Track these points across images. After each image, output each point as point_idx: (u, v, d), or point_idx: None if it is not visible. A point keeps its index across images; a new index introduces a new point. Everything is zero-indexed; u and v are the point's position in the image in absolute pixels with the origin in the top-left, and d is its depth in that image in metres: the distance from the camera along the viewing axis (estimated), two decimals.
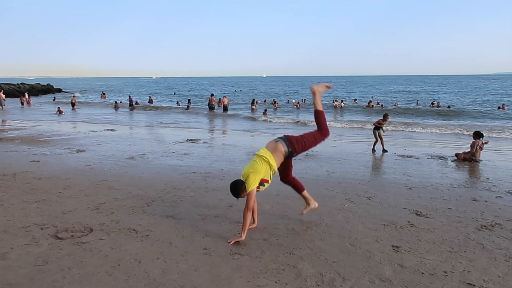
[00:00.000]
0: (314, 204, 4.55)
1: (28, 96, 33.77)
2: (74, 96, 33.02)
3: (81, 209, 4.91)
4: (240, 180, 4.05)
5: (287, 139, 4.17)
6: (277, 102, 30.32)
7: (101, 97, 44.04)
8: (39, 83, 59.20)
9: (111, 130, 14.89)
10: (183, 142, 11.39)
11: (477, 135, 9.15)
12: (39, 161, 8.18)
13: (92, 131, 14.39)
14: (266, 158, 4.03)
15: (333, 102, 29.46)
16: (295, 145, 4.14)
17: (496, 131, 14.97)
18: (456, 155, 8.99)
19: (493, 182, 6.71)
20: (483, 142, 9.11)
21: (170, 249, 3.75)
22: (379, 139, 10.21)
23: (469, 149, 8.89)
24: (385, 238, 4.08)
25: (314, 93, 4.44)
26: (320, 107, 4.39)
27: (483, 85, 74.10)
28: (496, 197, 5.73)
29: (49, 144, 10.80)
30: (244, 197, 4.01)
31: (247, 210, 3.93)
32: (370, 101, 29.41)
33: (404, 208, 5.10)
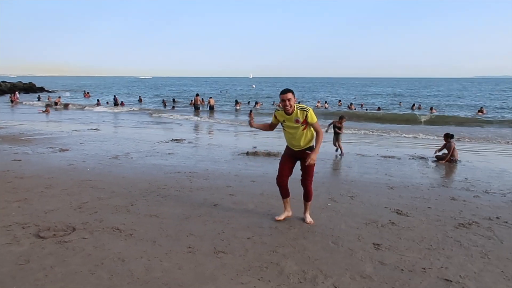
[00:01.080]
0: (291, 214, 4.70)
1: (19, 93, 34.43)
2: (59, 97, 32.53)
3: (63, 208, 4.87)
4: None
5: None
6: (259, 103, 30.49)
7: (85, 96, 43.28)
8: (20, 82, 57.96)
9: (94, 129, 14.71)
10: (168, 142, 11.35)
11: (448, 136, 9.39)
12: (20, 160, 8.05)
13: (76, 130, 14.20)
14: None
15: (317, 103, 29.68)
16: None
17: (479, 138, 15.34)
18: (437, 157, 9.15)
19: (471, 182, 6.90)
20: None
21: (154, 247, 3.76)
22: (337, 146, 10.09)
23: (447, 152, 9.08)
24: (366, 236, 4.17)
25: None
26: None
27: (462, 87, 75.74)
28: (474, 197, 5.90)
29: (31, 143, 10.62)
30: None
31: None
32: (351, 103, 29.65)
33: (386, 207, 5.22)
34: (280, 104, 4.23)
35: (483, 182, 6.93)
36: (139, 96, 38.41)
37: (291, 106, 4.14)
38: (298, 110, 4.17)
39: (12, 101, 31.20)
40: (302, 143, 4.30)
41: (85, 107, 29.00)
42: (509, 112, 27.04)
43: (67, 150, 9.52)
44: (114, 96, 34.58)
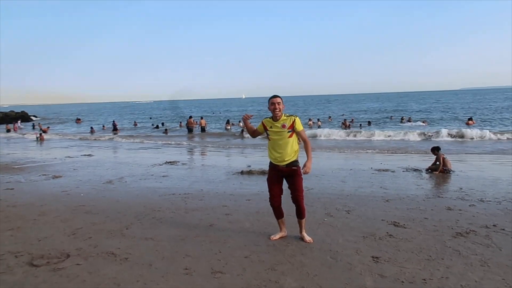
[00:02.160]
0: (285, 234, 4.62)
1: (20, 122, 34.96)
2: (48, 127, 32.48)
3: (57, 235, 4.79)
4: None
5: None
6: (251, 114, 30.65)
7: (76, 122, 43.24)
8: (13, 111, 57.78)
9: (88, 155, 14.62)
10: (162, 165, 11.30)
11: (436, 149, 9.54)
12: (13, 188, 7.95)
13: (69, 156, 14.10)
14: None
15: (308, 120, 29.83)
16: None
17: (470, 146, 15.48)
18: (430, 169, 9.21)
19: (466, 192, 6.92)
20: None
21: (150, 271, 3.69)
22: None
23: (439, 163, 9.15)
24: (364, 250, 4.14)
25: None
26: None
27: (449, 100, 76.80)
28: (470, 206, 5.91)
29: (24, 171, 10.52)
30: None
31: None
32: (345, 120, 29.92)
33: (382, 220, 5.20)
34: (269, 109, 4.27)
35: (478, 191, 6.95)
36: (134, 121, 38.39)
37: (280, 110, 4.20)
38: (286, 116, 4.24)
39: (8, 130, 30.80)
40: (287, 153, 4.21)
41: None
42: (499, 123, 27.41)
43: (60, 176, 9.43)
44: (113, 121, 34.58)
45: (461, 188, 7.22)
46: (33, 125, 37.33)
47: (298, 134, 4.29)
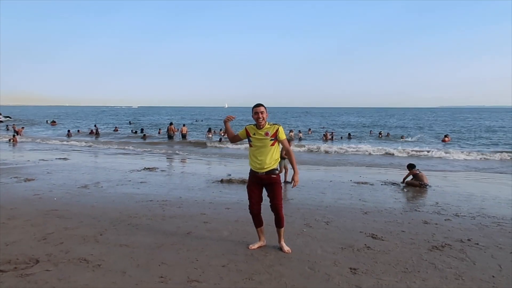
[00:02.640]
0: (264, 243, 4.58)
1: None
2: (22, 128, 31.53)
3: (26, 239, 4.59)
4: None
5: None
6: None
7: (51, 125, 42.01)
8: None
9: (63, 158, 14.22)
10: (140, 171, 11.09)
11: (411, 166, 9.82)
12: None
13: (43, 159, 13.68)
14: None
15: (289, 132, 29.96)
16: None
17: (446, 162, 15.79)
18: (407, 183, 9.41)
19: (442, 206, 7.05)
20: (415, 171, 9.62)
21: (123, 278, 3.57)
22: (283, 169, 9.81)
23: (412, 178, 9.45)
24: (343, 261, 4.13)
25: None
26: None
27: (427, 117, 78.87)
28: (445, 220, 6.01)
29: None
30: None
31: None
32: (327, 131, 30.25)
33: (361, 232, 5.22)
34: (253, 117, 4.26)
35: (453, 205, 7.09)
36: (115, 127, 37.67)
37: (263, 119, 4.21)
38: (269, 125, 4.26)
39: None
40: (267, 161, 4.21)
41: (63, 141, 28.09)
42: (474, 140, 28.24)
43: (33, 180, 9.12)
44: (95, 125, 33.93)
45: (437, 203, 7.35)
46: (7, 126, 36.03)
47: (281, 143, 4.32)
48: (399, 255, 4.34)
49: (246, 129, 4.35)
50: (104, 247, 4.39)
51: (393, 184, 9.53)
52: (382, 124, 50.79)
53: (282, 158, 10.02)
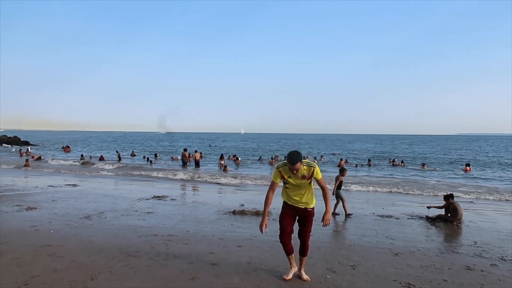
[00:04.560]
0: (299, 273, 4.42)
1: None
2: (38, 156, 31.61)
3: (4, 284, 3.98)
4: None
5: None
6: (239, 159, 29.68)
7: (65, 151, 41.56)
8: (5, 135, 56.99)
9: (72, 185, 13.80)
10: (149, 199, 10.52)
11: (450, 197, 8.86)
12: None
13: (51, 186, 13.28)
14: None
15: (339, 161, 28.93)
16: None
17: (472, 193, 14.74)
18: (439, 217, 8.52)
19: (482, 247, 6.21)
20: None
21: None
22: (341, 200, 9.17)
23: (450, 213, 8.49)
24: None
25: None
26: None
27: (449, 144, 76.99)
28: (491, 265, 5.18)
29: None
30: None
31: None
32: (341, 160, 29.47)
33: (394, 280, 4.45)
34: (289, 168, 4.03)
35: (495, 246, 6.24)
36: (132, 151, 37.44)
37: (298, 170, 4.00)
38: (305, 166, 4.05)
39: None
40: (304, 199, 4.18)
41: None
42: (498, 169, 26.97)
43: (35, 208, 8.62)
44: (117, 151, 33.74)
45: (475, 242, 6.51)
46: (20, 151, 35.96)
47: (317, 182, 4.19)
48: None
49: (279, 171, 4.14)
50: None
51: (420, 218, 8.69)
52: (398, 152, 49.56)
53: (339, 187, 9.32)
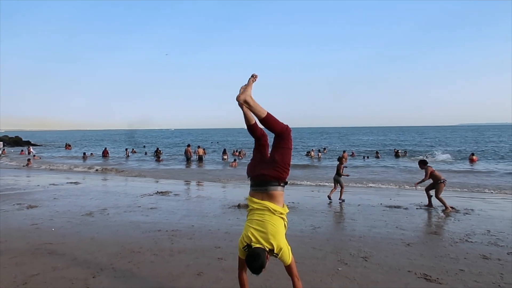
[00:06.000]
0: None
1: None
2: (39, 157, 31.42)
3: (3, 283, 3.81)
4: (259, 248, 2.85)
5: (268, 176, 3.05)
6: (242, 151, 29.57)
7: (66, 149, 41.62)
8: (6, 136, 56.91)
9: (74, 183, 13.64)
10: (152, 195, 10.35)
11: (423, 162, 9.18)
12: None
13: (53, 184, 13.11)
14: (282, 214, 3.05)
15: (311, 151, 29.04)
16: (283, 174, 3.07)
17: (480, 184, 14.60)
18: (439, 198, 8.48)
19: (496, 235, 6.01)
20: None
21: None
22: (338, 186, 9.77)
23: (430, 178, 8.84)
24: None
25: (246, 103, 3.05)
26: (263, 113, 3.06)
27: (445, 136, 76.59)
28: (508, 254, 4.99)
29: None
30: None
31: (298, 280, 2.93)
32: (353, 152, 29.57)
33: (409, 271, 4.26)
34: None
35: (510, 234, 6.04)
36: (132, 148, 37.28)
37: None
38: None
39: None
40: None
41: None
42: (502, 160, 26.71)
43: (36, 206, 8.45)
44: (126, 149, 33.35)
45: (489, 231, 6.30)
46: (22, 151, 35.82)
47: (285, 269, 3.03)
48: None
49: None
50: None
51: (430, 207, 8.50)
52: (401, 143, 49.26)
53: (338, 174, 9.65)
